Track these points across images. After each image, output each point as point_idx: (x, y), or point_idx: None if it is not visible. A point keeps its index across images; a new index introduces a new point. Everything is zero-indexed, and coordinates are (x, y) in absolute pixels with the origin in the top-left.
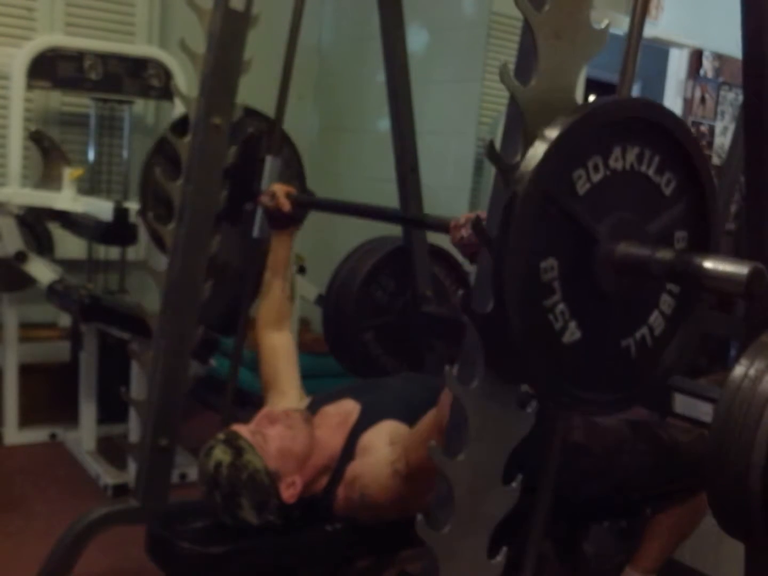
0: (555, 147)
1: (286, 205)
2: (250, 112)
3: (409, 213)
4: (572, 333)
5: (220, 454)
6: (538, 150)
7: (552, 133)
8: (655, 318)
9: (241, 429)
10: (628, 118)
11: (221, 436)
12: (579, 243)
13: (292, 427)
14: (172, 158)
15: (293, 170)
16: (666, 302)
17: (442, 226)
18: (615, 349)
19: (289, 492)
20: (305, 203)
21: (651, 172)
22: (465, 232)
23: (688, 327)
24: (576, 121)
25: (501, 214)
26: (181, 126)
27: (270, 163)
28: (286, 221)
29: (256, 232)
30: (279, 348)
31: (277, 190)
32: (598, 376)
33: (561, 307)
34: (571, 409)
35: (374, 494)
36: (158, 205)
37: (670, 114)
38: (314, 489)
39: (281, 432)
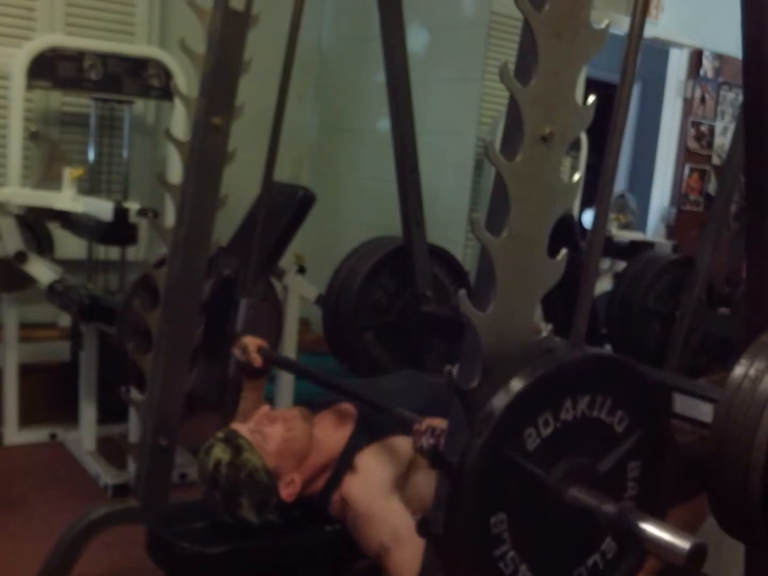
0: (503, 416)
1: (257, 361)
2: (226, 251)
3: (375, 401)
4: (523, 575)
5: (220, 452)
6: (495, 408)
7: (500, 401)
8: (607, 543)
9: (241, 428)
10: (578, 374)
11: (220, 434)
12: (529, 493)
13: (291, 425)
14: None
15: (268, 304)
16: None
17: (405, 424)
18: None
19: (288, 491)
20: (275, 360)
21: (603, 415)
22: (425, 442)
23: (638, 548)
24: (530, 384)
25: (455, 470)
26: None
27: (244, 306)
28: (256, 373)
29: (231, 372)
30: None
31: (249, 345)
32: None
33: (511, 554)
34: None
35: (359, 538)
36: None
37: (617, 360)
38: (313, 488)
39: (280, 431)
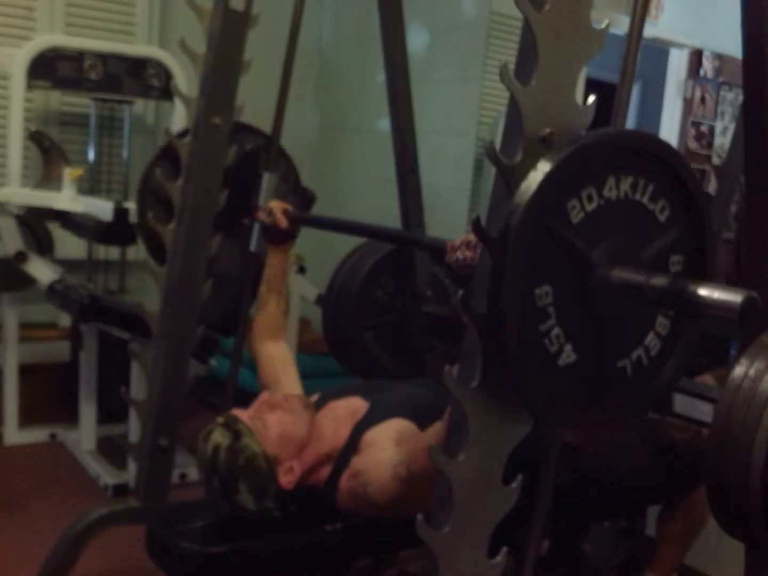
0: (548, 180)
1: (283, 222)
2: (248, 129)
3: (405, 234)
4: (568, 356)
5: (219, 437)
6: (531, 183)
7: (545, 165)
8: (650, 339)
9: (241, 413)
10: (621, 149)
11: (220, 419)
12: (574, 270)
13: (292, 412)
14: (176, 161)
15: (290, 185)
16: (662, 324)
17: (437, 247)
18: (611, 370)
19: (287, 478)
20: (302, 220)
21: (645, 200)
22: (461, 254)
23: (684, 347)
24: (569, 155)
25: (497, 242)
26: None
27: (267, 179)
28: (282, 237)
29: (253, 246)
30: (276, 356)
31: (274, 207)
32: (595, 396)
33: (556, 331)
34: (568, 428)
35: (375, 493)
36: (158, 206)
37: (663, 144)
38: (315, 479)
39: (281, 417)
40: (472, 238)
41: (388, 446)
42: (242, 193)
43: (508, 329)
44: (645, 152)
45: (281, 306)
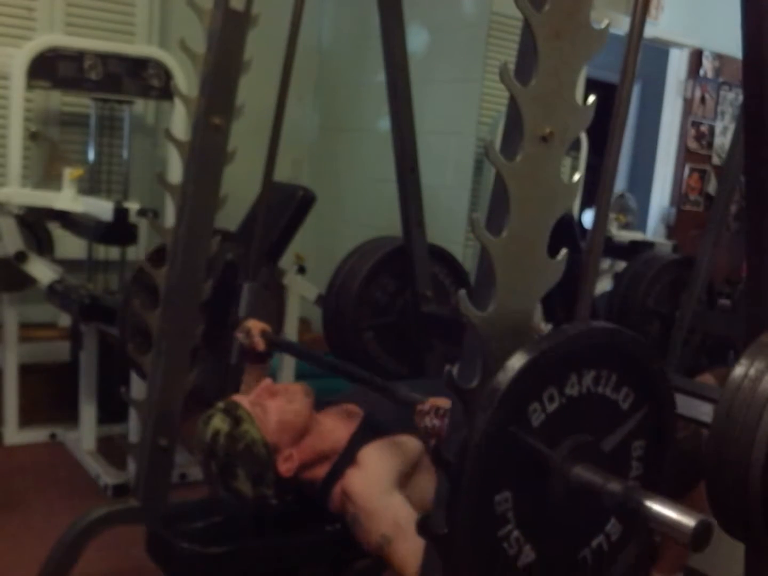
0: (508, 391)
1: (260, 345)
2: (228, 237)
3: (375, 381)
4: (527, 556)
5: (219, 422)
6: (492, 395)
7: (505, 375)
8: (611, 525)
9: (242, 399)
10: (583, 347)
11: (221, 405)
12: (534, 472)
13: (293, 400)
14: (149, 288)
15: (271, 291)
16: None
17: (409, 403)
18: (571, 561)
19: (286, 465)
20: (279, 344)
21: (608, 391)
22: (429, 422)
23: (644, 529)
24: (531, 361)
25: (457, 452)
26: (157, 256)
27: (247, 290)
28: (259, 357)
29: (233, 359)
30: None
31: (252, 328)
32: None
33: (515, 534)
34: None
35: (363, 528)
36: (138, 336)
37: (623, 333)
38: (311, 476)
39: (281, 405)
40: (441, 403)
41: (382, 485)
42: (222, 304)
43: (464, 538)
44: (606, 346)
45: None
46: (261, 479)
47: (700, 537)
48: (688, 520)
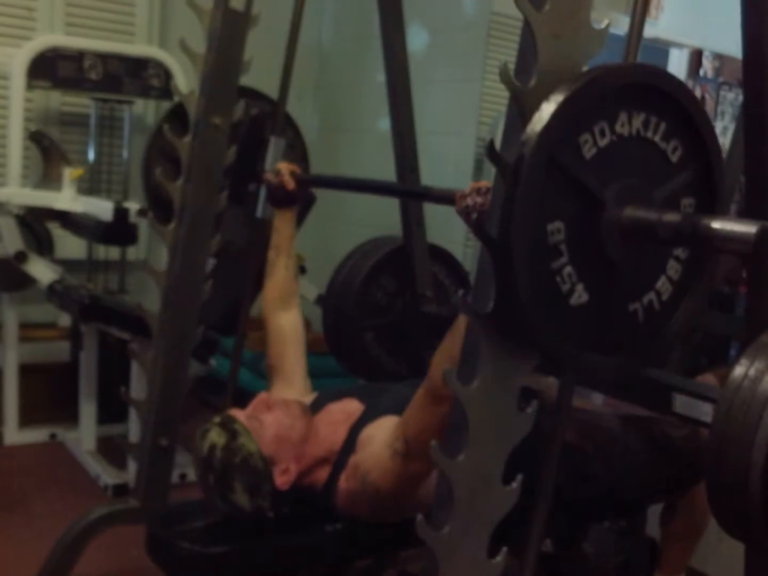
0: (560, 111)
1: (290, 183)
2: (254, 95)
3: (412, 188)
4: (579, 296)
5: (215, 436)
6: (543, 114)
7: (557, 97)
8: (662, 283)
9: (238, 413)
10: (633, 84)
11: (217, 419)
12: (586, 207)
13: (289, 414)
14: (170, 155)
15: (297, 153)
16: (673, 268)
17: (447, 197)
18: (623, 312)
19: (282, 478)
20: (309, 181)
21: (657, 139)
22: (471, 200)
23: (695, 293)
24: (581, 87)
25: (508, 176)
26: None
27: (274, 144)
28: (289, 200)
29: (259, 212)
30: (286, 329)
31: (282, 168)
32: (606, 338)
33: (568, 269)
34: (578, 373)
35: (376, 480)
36: (158, 207)
37: (676, 81)
38: (312, 482)
39: (278, 418)
40: (482, 184)
41: (382, 433)
42: (249, 159)
43: (520, 265)
44: (657, 89)
45: (290, 269)
46: (258, 492)
47: (761, 241)
48: (748, 228)
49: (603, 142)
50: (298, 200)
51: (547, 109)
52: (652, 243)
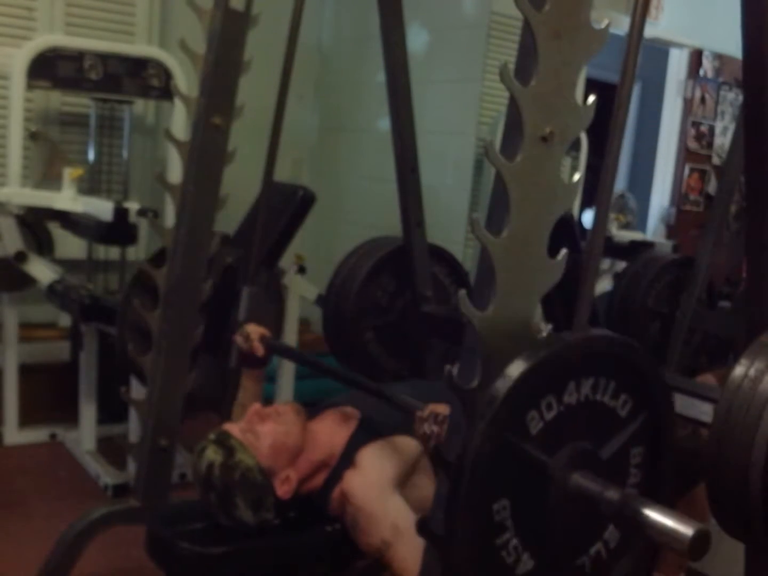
0: (505, 400)
1: (259, 350)
2: (227, 241)
3: (376, 387)
4: (525, 564)
5: (212, 454)
6: (490, 404)
7: (503, 384)
8: (610, 532)
9: (232, 428)
10: (581, 356)
11: (212, 436)
12: (532, 479)
13: (283, 421)
14: (149, 289)
15: (271, 294)
16: None
17: (408, 410)
18: (570, 569)
19: (284, 488)
20: (278, 349)
21: (606, 399)
22: (428, 428)
23: (641, 537)
24: (529, 369)
25: (454, 462)
26: (158, 258)
27: (247, 294)
28: (258, 362)
29: (233, 363)
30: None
31: (251, 333)
32: None
33: (514, 542)
34: None
35: (359, 535)
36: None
37: (620, 342)
38: (311, 485)
39: (272, 428)
40: (439, 411)
41: (378, 495)
42: (222, 308)
43: (464, 545)
44: (605, 354)
45: None
46: (261, 505)
47: (697, 546)
48: (685, 529)
49: (550, 415)
50: (267, 363)
51: (495, 398)
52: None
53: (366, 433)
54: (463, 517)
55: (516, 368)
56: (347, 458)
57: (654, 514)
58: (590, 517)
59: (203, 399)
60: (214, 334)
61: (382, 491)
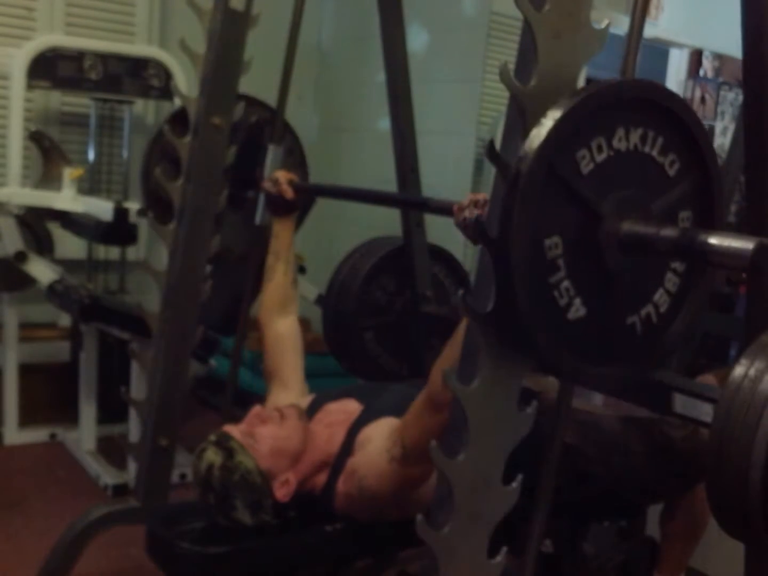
0: (558, 127)
1: (288, 192)
2: (253, 102)
3: (411, 197)
4: (577, 309)
5: (212, 456)
6: (541, 130)
7: (555, 113)
8: (660, 296)
9: (232, 430)
10: (630, 99)
11: (212, 437)
12: (584, 221)
13: (284, 424)
14: (170, 155)
15: (295, 159)
16: (671, 280)
17: (445, 209)
18: (620, 325)
19: (282, 491)
20: (307, 189)
21: (655, 153)
22: (468, 213)
23: (692, 305)
24: (579, 102)
25: (505, 192)
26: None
27: (272, 151)
28: (287, 208)
29: (258, 219)
30: (284, 336)
31: (280, 177)
32: (604, 351)
33: (566, 284)
34: (577, 383)
35: (373, 485)
36: (158, 206)
37: (673, 95)
38: (312, 486)
39: (273, 431)
40: (480, 196)
41: (380, 439)
42: (247, 165)
43: (517, 280)
44: (654, 104)
45: (289, 275)
46: (259, 507)
47: (758, 257)
48: (745, 244)
49: (600, 158)
50: (296, 208)
51: (545, 125)
52: (650, 256)
53: (363, 422)
54: (517, 243)
55: (566, 102)
56: (346, 449)
57: (712, 237)
58: (641, 271)
59: (232, 255)
60: (241, 191)
61: (385, 451)
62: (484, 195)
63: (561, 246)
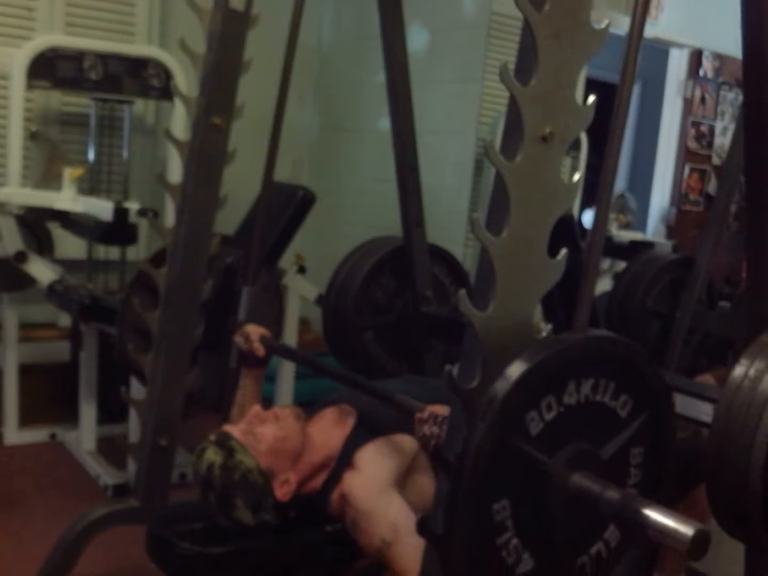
0: (507, 399)
1: (259, 350)
2: (227, 241)
3: (376, 388)
4: (526, 563)
5: (212, 455)
6: (492, 404)
7: (503, 384)
8: (610, 532)
9: (233, 429)
10: (580, 356)
11: (212, 437)
12: (532, 479)
13: (283, 424)
14: (150, 289)
15: (271, 294)
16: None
17: (408, 410)
18: (570, 569)
19: (283, 490)
20: (278, 350)
21: (606, 399)
22: (428, 430)
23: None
24: (530, 370)
25: (454, 462)
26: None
27: (246, 295)
28: (257, 362)
29: (233, 363)
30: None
31: (251, 333)
32: None
33: (514, 542)
34: None
35: (359, 535)
36: (138, 336)
37: (621, 342)
38: (311, 487)
39: (273, 430)
40: (438, 412)
41: (378, 495)
42: (222, 308)
43: (465, 545)
44: (604, 355)
45: None
46: (260, 506)
47: (698, 546)
48: (686, 529)
49: (550, 416)
50: (267, 362)
51: (495, 399)
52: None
53: (363, 432)
54: (463, 517)
55: (516, 369)
56: (345, 459)
57: (654, 514)
58: (591, 517)
59: (203, 399)
60: (214, 334)
61: (382, 491)
62: (444, 410)
63: (509, 508)
